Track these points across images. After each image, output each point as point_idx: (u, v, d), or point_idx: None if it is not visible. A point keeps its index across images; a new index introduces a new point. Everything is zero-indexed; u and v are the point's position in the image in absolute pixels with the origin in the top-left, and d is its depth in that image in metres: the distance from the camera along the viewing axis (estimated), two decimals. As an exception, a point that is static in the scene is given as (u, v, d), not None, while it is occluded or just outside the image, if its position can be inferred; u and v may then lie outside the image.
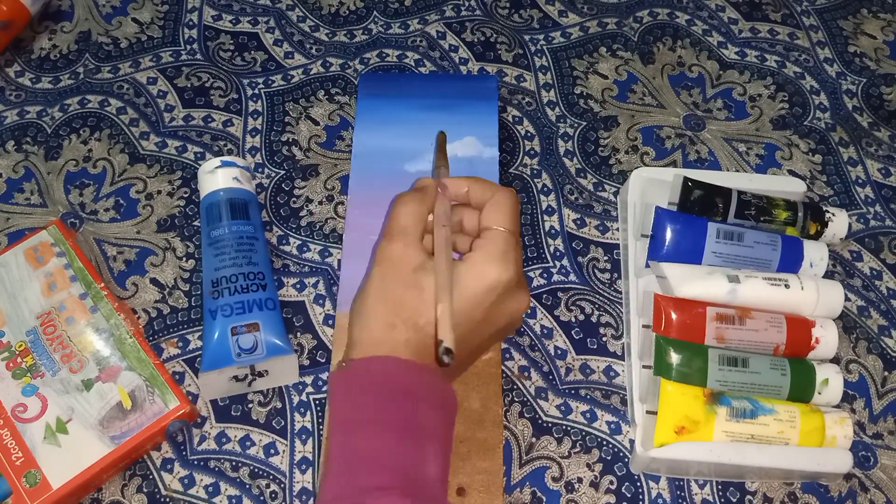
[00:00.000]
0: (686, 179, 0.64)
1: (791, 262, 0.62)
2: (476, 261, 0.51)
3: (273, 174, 0.72)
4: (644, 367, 0.61)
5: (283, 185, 0.71)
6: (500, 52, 0.79)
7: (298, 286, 0.67)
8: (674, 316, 0.59)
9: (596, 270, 0.68)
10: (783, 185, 0.67)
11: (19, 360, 0.61)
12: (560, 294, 0.67)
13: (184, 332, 0.65)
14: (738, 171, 0.72)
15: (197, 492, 0.59)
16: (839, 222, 0.65)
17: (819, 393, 0.59)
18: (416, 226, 0.53)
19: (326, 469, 0.49)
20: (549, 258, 0.68)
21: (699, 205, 0.63)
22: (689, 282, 0.60)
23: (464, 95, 0.73)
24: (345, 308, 0.64)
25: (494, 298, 0.50)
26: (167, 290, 0.67)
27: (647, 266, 0.64)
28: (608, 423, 0.62)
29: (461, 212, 0.56)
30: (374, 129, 0.71)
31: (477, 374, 0.61)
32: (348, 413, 0.49)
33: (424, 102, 0.73)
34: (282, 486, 0.59)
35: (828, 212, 0.65)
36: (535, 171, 0.72)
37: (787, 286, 0.60)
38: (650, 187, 0.67)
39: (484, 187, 0.55)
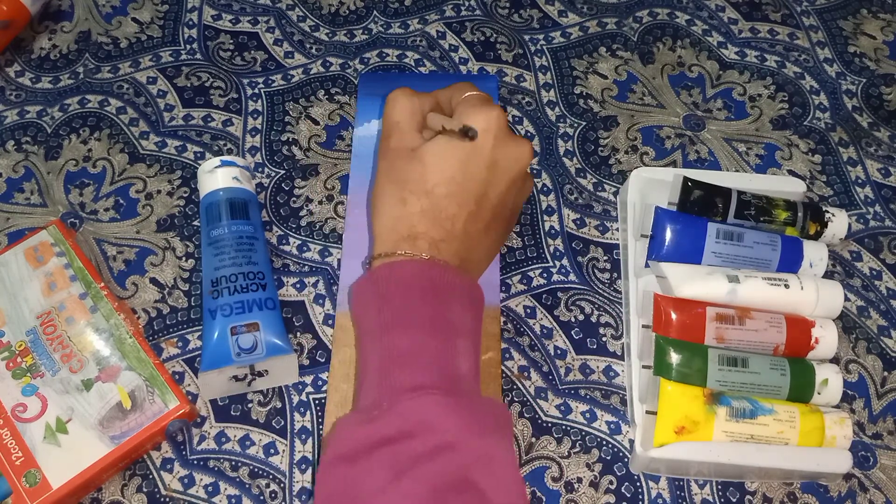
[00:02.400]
0: (686, 179, 0.64)
1: (791, 262, 0.62)
2: (461, 113, 0.53)
3: (273, 174, 0.72)
4: (644, 367, 0.61)
5: (283, 185, 0.71)
6: (499, 51, 0.79)
7: (298, 286, 0.67)
8: (674, 316, 0.59)
9: (596, 270, 0.68)
10: (783, 185, 0.67)
11: (19, 359, 0.61)
12: (560, 294, 0.67)
13: (183, 331, 0.65)
14: (738, 171, 0.72)
15: (197, 491, 0.59)
16: (839, 222, 0.65)
17: (819, 393, 0.58)
18: (410, 118, 0.55)
19: (361, 377, 0.49)
20: (548, 258, 0.68)
21: (699, 205, 0.63)
22: (689, 282, 0.60)
23: None
24: (344, 308, 0.64)
25: (492, 140, 0.52)
26: (167, 289, 0.67)
27: (647, 266, 0.64)
28: (608, 423, 0.62)
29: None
30: (374, 129, 0.71)
31: None
32: (376, 318, 0.49)
33: None
34: (282, 485, 0.59)
35: (827, 212, 0.65)
36: (534, 171, 0.72)
37: (786, 286, 0.60)
38: (650, 187, 0.67)
39: (444, 89, 0.59)
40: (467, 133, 0.50)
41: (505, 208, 0.55)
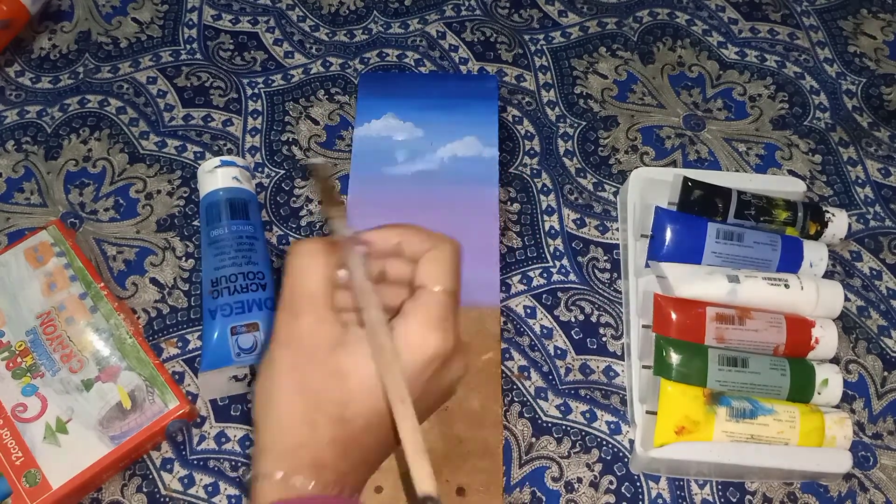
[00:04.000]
0: (686, 179, 0.64)
1: (791, 262, 0.62)
2: (411, 330, 0.41)
3: (273, 174, 0.72)
4: (644, 367, 0.61)
5: (282, 185, 0.71)
6: (499, 51, 0.79)
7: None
8: (674, 316, 0.59)
9: (596, 270, 0.68)
10: (783, 185, 0.67)
11: (19, 359, 0.61)
12: (560, 294, 0.67)
13: (183, 331, 0.65)
14: (738, 171, 0.72)
15: (196, 491, 0.59)
16: (839, 222, 0.65)
17: (819, 393, 0.59)
18: (326, 290, 0.41)
19: None
20: (549, 258, 0.68)
21: (699, 205, 0.63)
22: (689, 282, 0.60)
23: (464, 95, 0.73)
24: None
25: (430, 373, 0.41)
26: (167, 289, 0.67)
27: (647, 266, 0.64)
28: (608, 423, 0.62)
29: (385, 261, 0.45)
30: (374, 129, 0.71)
31: (476, 374, 0.61)
32: None
33: (424, 102, 0.72)
34: (281, 485, 0.59)
35: (827, 212, 0.65)
36: (535, 171, 0.72)
37: (786, 286, 0.60)
38: (650, 187, 0.67)
39: (420, 237, 0.44)
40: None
41: (428, 411, 0.45)
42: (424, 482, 0.38)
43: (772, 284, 0.60)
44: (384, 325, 0.41)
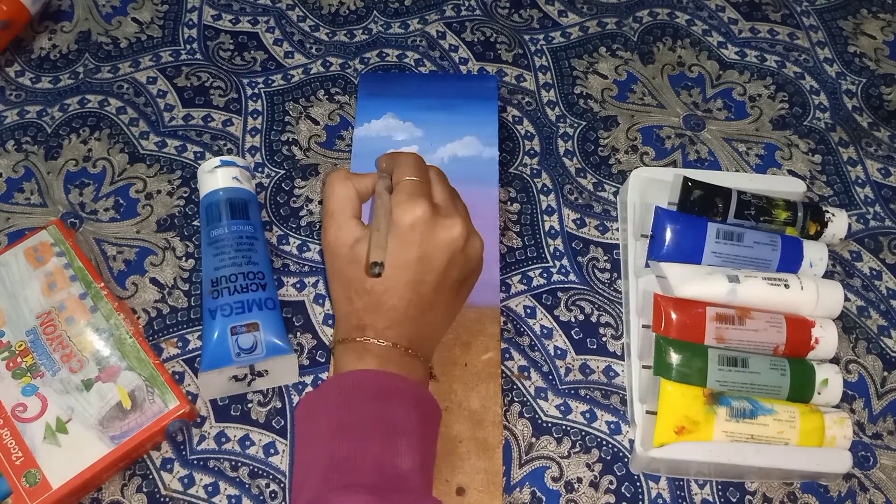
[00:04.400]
0: (686, 179, 0.64)
1: (791, 262, 0.62)
2: (391, 210, 0.54)
3: (273, 174, 0.72)
4: (644, 367, 0.61)
5: (282, 185, 0.71)
6: (499, 51, 0.79)
7: (298, 286, 0.67)
8: (674, 316, 0.59)
9: (596, 270, 0.68)
10: (783, 185, 0.67)
11: (19, 359, 0.61)
12: (560, 294, 0.67)
13: (183, 331, 0.65)
14: (738, 171, 0.72)
15: (196, 491, 0.59)
16: (839, 222, 0.65)
17: (819, 393, 0.58)
18: (344, 205, 0.56)
19: (301, 480, 0.51)
20: (549, 258, 0.68)
21: (699, 205, 0.63)
22: (689, 282, 0.60)
23: (464, 95, 0.73)
24: None
25: (419, 233, 0.53)
26: (167, 289, 0.67)
27: (647, 266, 0.64)
28: (608, 422, 0.62)
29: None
30: (375, 129, 0.71)
31: (476, 374, 0.61)
32: (325, 426, 0.51)
33: (425, 102, 0.73)
34: (281, 485, 0.59)
35: (827, 212, 0.65)
36: (535, 171, 0.72)
37: (786, 286, 0.60)
38: (650, 187, 0.67)
39: (390, 156, 0.59)
40: (374, 270, 0.51)
41: (448, 284, 0.56)
42: (374, 253, 0.51)
43: (772, 284, 0.60)
44: (386, 193, 0.55)
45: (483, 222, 0.65)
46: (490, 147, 0.70)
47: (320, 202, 0.70)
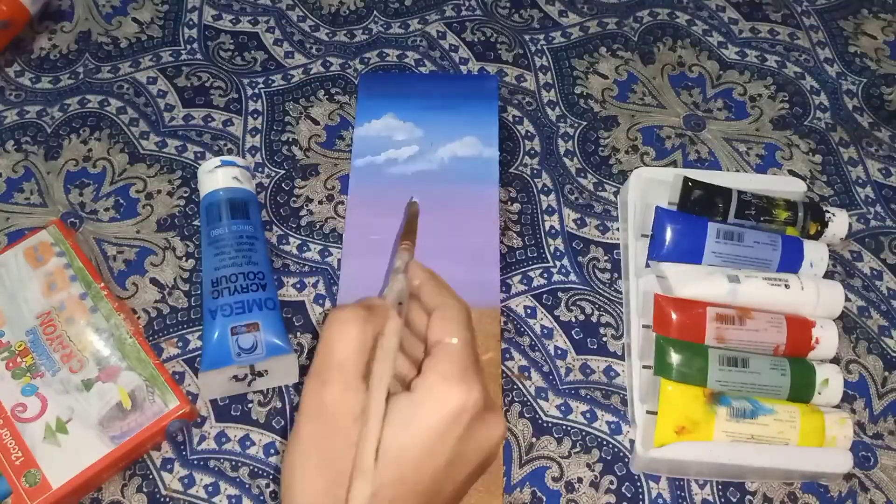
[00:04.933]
0: (686, 179, 0.64)
1: (791, 262, 0.63)
2: (431, 385, 0.39)
3: (273, 174, 0.72)
4: (644, 367, 0.61)
5: (283, 185, 0.71)
6: (500, 51, 0.79)
7: (298, 286, 0.67)
8: (674, 316, 0.60)
9: (596, 270, 0.68)
10: (783, 185, 0.67)
11: (19, 359, 0.61)
12: (560, 294, 0.67)
13: (183, 331, 0.65)
14: (738, 171, 0.73)
15: (197, 491, 0.59)
16: (839, 222, 0.65)
17: (819, 393, 0.59)
18: (358, 359, 0.40)
19: None
20: (549, 258, 0.68)
21: (699, 205, 0.64)
22: (689, 282, 0.60)
23: (464, 95, 0.73)
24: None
25: (461, 431, 0.39)
26: (167, 289, 0.67)
27: (648, 266, 0.64)
28: (608, 423, 0.62)
29: (411, 306, 0.46)
30: (374, 129, 0.72)
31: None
32: None
33: (425, 102, 0.72)
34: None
35: (828, 212, 0.65)
36: (535, 171, 0.72)
37: (787, 286, 0.60)
38: (650, 187, 0.67)
39: (436, 289, 0.45)
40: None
41: (471, 478, 0.42)
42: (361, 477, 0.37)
43: (772, 284, 0.60)
44: (382, 395, 0.39)
45: (483, 222, 0.65)
46: (490, 147, 0.70)
47: (320, 202, 0.70)
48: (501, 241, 0.68)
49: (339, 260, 0.68)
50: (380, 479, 0.38)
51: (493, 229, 0.66)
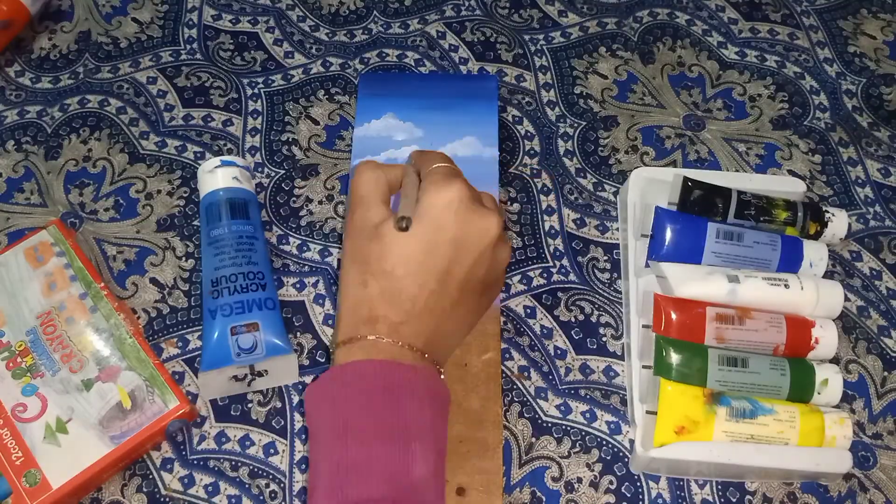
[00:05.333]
0: (686, 179, 0.64)
1: (791, 262, 0.63)
2: (425, 189, 0.51)
3: (273, 174, 0.72)
4: (644, 367, 0.61)
5: (282, 185, 0.71)
6: (500, 51, 0.79)
7: (298, 286, 0.67)
8: (674, 316, 0.60)
9: (596, 270, 0.68)
10: (783, 185, 0.67)
11: (19, 359, 0.61)
12: (560, 294, 0.67)
13: (183, 331, 0.65)
14: (738, 171, 0.73)
15: (197, 491, 0.59)
16: (839, 222, 0.65)
17: (819, 393, 0.59)
18: (374, 191, 0.53)
19: (313, 485, 0.47)
20: (549, 258, 0.68)
21: (699, 205, 0.64)
22: (689, 282, 0.60)
23: (464, 95, 0.73)
24: None
25: (454, 214, 0.50)
26: (167, 289, 0.67)
27: (647, 266, 0.64)
28: (608, 422, 0.62)
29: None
30: (374, 129, 0.72)
31: (476, 375, 0.61)
32: (329, 423, 0.48)
33: (425, 102, 0.73)
34: (281, 485, 0.59)
35: (827, 212, 0.65)
36: (534, 171, 0.72)
37: (786, 286, 0.60)
38: (650, 187, 0.67)
39: (419, 152, 0.58)
40: (399, 221, 0.49)
41: (475, 282, 0.52)
42: (405, 210, 0.50)
43: (772, 284, 0.60)
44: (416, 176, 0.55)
45: None
46: (490, 147, 0.70)
47: (320, 202, 0.70)
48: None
49: (338, 260, 0.68)
50: (392, 261, 0.50)
51: None
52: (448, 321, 0.52)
